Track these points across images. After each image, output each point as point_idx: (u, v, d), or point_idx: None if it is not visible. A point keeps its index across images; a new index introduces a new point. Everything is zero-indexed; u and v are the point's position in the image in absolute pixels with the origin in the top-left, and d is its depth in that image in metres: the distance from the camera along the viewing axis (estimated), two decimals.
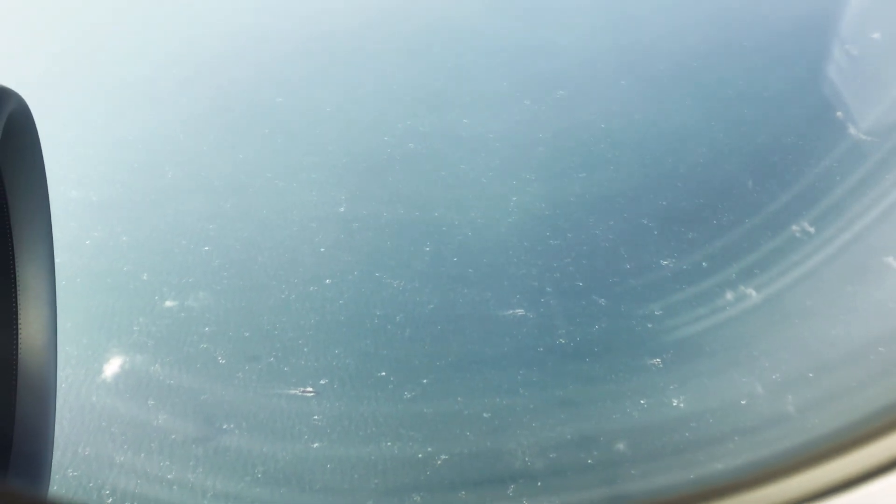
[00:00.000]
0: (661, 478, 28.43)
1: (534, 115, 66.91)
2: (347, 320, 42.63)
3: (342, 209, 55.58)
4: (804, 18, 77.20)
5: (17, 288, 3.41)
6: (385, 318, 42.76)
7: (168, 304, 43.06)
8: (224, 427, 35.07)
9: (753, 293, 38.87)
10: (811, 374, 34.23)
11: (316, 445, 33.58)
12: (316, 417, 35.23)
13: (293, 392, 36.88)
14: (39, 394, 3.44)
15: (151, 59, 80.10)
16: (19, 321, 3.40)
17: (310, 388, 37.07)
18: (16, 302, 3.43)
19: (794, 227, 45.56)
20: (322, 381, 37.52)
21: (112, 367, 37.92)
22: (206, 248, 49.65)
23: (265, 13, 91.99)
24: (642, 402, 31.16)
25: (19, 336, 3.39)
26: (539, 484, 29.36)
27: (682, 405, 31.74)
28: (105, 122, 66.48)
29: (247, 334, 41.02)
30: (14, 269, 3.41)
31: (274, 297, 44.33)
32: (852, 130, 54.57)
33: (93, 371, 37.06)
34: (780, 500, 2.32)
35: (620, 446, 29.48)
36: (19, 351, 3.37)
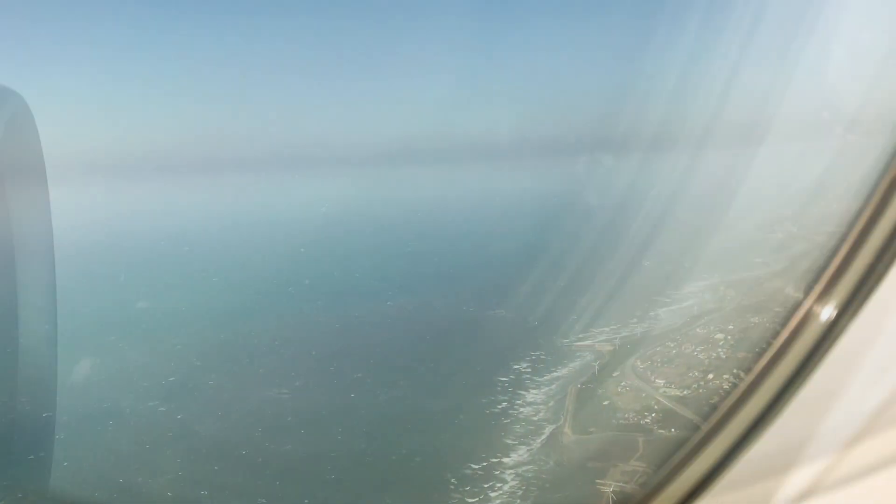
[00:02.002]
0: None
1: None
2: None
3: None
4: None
5: (18, 286, 3.34)
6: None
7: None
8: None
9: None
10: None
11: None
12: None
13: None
14: (40, 392, 3.57)
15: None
16: (20, 320, 3.34)
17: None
18: (16, 300, 3.36)
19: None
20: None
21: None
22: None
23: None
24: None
25: (20, 335, 3.32)
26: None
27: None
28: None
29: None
30: (15, 267, 3.35)
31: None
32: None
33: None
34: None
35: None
36: (20, 350, 3.32)
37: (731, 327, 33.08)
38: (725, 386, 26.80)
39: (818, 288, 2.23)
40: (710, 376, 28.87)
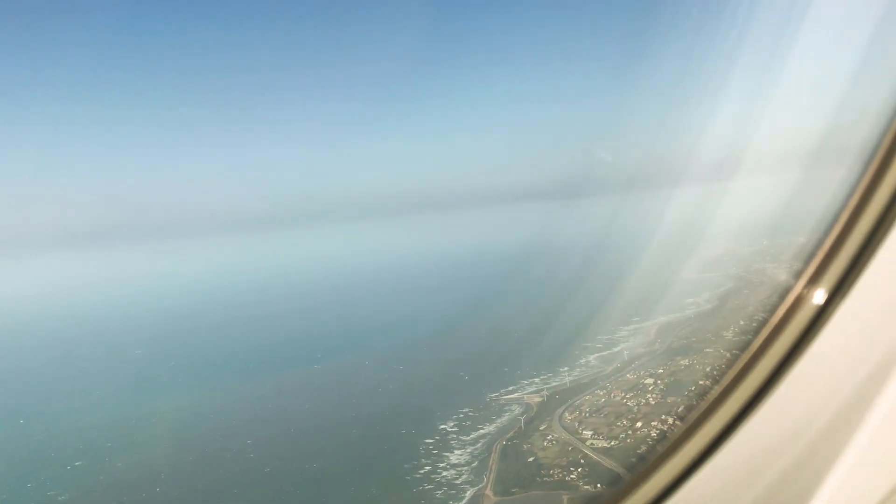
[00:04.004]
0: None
1: None
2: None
3: None
4: None
5: None
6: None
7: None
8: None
9: None
10: None
11: None
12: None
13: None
14: None
15: None
16: None
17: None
18: None
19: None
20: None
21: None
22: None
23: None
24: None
25: None
26: None
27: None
28: None
29: None
30: None
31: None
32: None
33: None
34: None
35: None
36: None
37: (660, 371, 32.42)
38: (654, 434, 25.90)
39: (807, 274, 2.34)
40: (639, 424, 27.88)
